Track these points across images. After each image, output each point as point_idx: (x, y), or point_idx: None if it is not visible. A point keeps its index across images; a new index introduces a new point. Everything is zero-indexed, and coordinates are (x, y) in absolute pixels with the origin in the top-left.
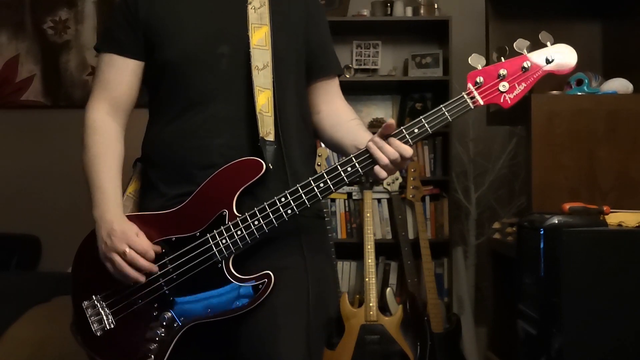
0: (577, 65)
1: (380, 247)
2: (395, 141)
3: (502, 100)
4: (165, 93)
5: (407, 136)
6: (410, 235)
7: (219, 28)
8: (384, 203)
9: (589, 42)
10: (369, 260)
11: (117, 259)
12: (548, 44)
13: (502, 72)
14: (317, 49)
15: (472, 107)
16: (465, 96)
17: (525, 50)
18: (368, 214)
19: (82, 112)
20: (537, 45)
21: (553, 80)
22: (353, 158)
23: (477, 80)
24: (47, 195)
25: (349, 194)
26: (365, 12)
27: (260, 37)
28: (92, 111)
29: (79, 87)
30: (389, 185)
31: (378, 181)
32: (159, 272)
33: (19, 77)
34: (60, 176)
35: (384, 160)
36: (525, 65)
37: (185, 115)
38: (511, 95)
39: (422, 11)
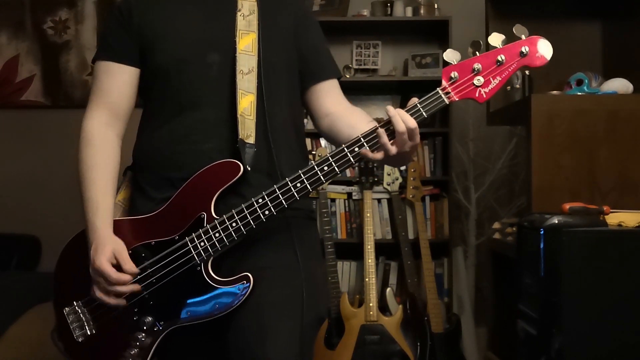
0: (577, 65)
1: (380, 247)
2: (402, 113)
3: (477, 95)
4: (156, 98)
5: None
6: (410, 235)
7: (209, 36)
8: (384, 203)
9: (589, 42)
10: (369, 260)
11: (94, 287)
12: (522, 36)
13: (477, 66)
14: (308, 54)
15: (447, 103)
16: (440, 92)
17: (499, 44)
18: (368, 214)
19: (82, 112)
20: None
21: (553, 80)
22: (330, 157)
23: (452, 75)
24: (47, 195)
25: (349, 194)
26: (365, 12)
27: (247, 43)
28: (90, 121)
29: (79, 87)
30: (389, 185)
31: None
32: (138, 277)
33: (19, 77)
34: (60, 176)
35: (401, 126)
36: (500, 59)
37: (175, 120)
38: (486, 90)
39: (422, 11)
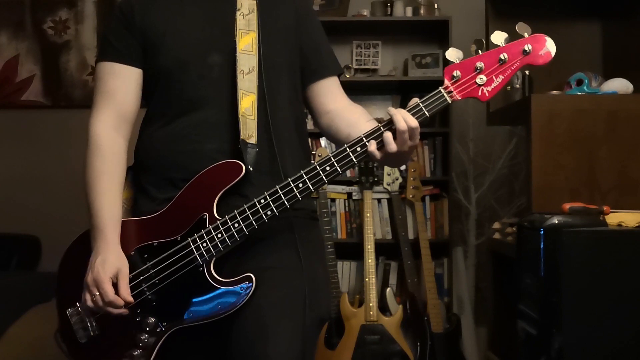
0: (577, 65)
1: (380, 247)
2: (403, 112)
3: (479, 94)
4: (158, 99)
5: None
6: (410, 235)
7: (210, 36)
8: (384, 203)
9: (589, 42)
10: (369, 260)
11: (87, 295)
12: (525, 34)
13: (479, 65)
14: (309, 52)
15: (450, 102)
16: (442, 91)
17: (502, 43)
18: (368, 214)
19: (82, 112)
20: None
21: (553, 80)
22: (332, 157)
23: (454, 74)
24: (47, 195)
25: (349, 194)
26: (365, 12)
27: (247, 42)
28: (97, 124)
29: (79, 87)
30: (389, 185)
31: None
32: (141, 277)
33: (19, 77)
34: (60, 176)
35: (402, 125)
36: (502, 57)
37: (177, 121)
38: (489, 88)
39: (422, 11)
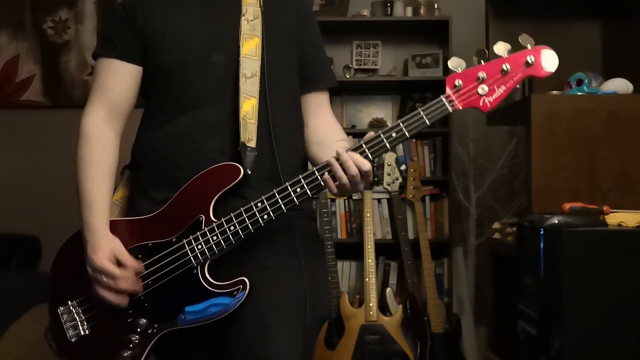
0: (577, 65)
1: (380, 247)
2: (355, 156)
3: (481, 104)
4: (158, 98)
5: (385, 140)
6: (410, 235)
7: (213, 37)
8: (384, 203)
9: (589, 42)
10: (369, 260)
11: (96, 286)
12: (528, 46)
13: (482, 75)
14: (308, 60)
15: (451, 111)
16: (443, 100)
17: (505, 53)
18: (368, 214)
19: (82, 112)
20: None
21: (553, 80)
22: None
23: (456, 83)
24: (47, 195)
25: None
26: (365, 12)
27: (251, 47)
28: (89, 117)
29: (79, 87)
30: (389, 185)
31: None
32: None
33: (19, 77)
34: (60, 176)
35: (343, 178)
36: (505, 68)
37: (177, 120)
38: (490, 99)
39: (422, 11)
